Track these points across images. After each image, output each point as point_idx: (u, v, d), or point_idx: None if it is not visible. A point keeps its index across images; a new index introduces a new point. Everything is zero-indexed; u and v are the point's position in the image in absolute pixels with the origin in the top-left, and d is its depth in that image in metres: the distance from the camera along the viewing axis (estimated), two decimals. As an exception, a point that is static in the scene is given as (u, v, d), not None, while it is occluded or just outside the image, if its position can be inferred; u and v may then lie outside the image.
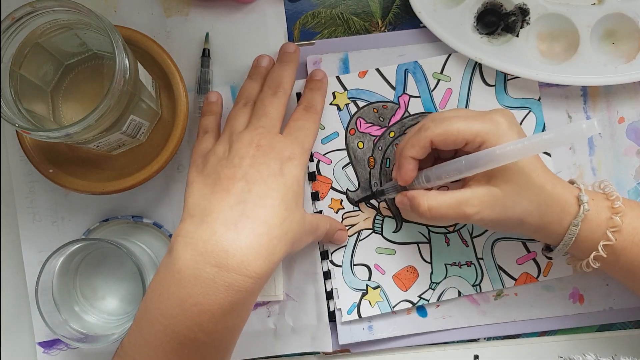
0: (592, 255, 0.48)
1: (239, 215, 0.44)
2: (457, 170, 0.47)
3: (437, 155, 0.52)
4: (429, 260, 0.55)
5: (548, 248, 0.52)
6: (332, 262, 0.55)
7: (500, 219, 0.47)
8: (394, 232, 0.55)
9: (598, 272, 0.55)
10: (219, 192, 0.45)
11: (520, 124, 0.55)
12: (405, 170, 0.49)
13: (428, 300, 0.55)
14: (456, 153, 0.50)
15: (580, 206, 0.47)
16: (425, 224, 0.55)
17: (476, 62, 0.55)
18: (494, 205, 0.46)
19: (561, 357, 0.48)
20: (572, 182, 0.50)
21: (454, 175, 0.47)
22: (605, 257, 0.47)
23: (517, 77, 0.55)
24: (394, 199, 0.53)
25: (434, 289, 0.55)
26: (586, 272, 0.49)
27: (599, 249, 0.47)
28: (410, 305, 0.55)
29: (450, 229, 0.55)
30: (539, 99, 0.55)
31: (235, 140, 0.48)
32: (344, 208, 0.56)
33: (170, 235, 0.55)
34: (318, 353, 0.56)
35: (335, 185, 0.56)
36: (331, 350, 0.55)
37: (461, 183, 0.49)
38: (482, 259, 0.55)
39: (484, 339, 0.56)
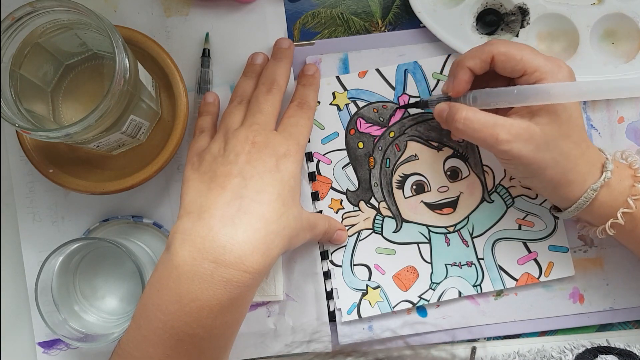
0: (609, 222, 0.48)
1: (235, 210, 0.44)
2: (507, 97, 0.46)
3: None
4: (429, 261, 0.55)
5: (557, 208, 0.52)
6: (332, 262, 0.55)
7: (527, 158, 0.46)
8: (394, 232, 0.55)
9: (598, 272, 0.55)
10: (215, 188, 0.45)
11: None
12: (460, 80, 0.48)
13: (428, 301, 0.55)
14: None
15: (603, 172, 0.47)
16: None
17: (476, 62, 0.55)
18: (527, 141, 0.45)
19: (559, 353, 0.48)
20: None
21: (502, 102, 0.47)
22: (623, 225, 0.48)
23: (516, 77, 0.55)
24: (393, 197, 0.53)
25: (434, 289, 0.55)
26: (600, 238, 0.50)
27: (618, 215, 0.47)
28: (410, 305, 0.55)
29: (450, 229, 0.55)
30: (539, 99, 0.55)
31: (231, 137, 0.48)
32: (343, 208, 0.56)
33: (169, 235, 0.55)
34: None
35: (335, 185, 0.56)
36: (331, 351, 0.55)
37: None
38: (482, 259, 0.55)
39: (484, 339, 0.56)
